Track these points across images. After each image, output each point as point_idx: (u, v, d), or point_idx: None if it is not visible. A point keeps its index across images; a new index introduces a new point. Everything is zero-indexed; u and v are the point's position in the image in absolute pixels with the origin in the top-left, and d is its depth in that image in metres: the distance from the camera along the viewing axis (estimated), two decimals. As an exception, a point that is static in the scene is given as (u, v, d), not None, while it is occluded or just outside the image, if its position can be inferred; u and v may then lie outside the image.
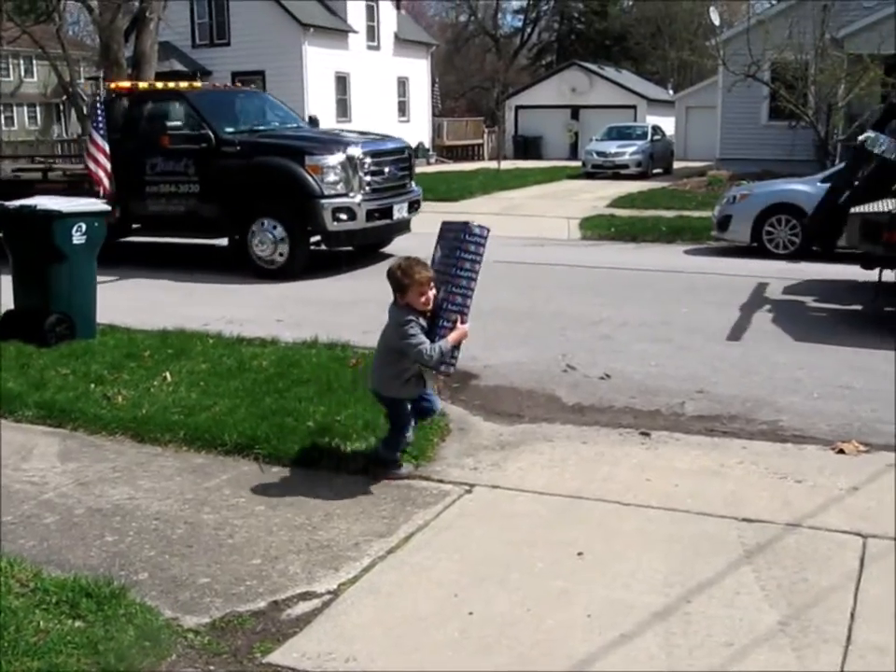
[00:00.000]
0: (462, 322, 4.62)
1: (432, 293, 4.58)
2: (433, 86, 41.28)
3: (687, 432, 5.70)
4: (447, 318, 4.57)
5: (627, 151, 31.67)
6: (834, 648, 3.29)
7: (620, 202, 20.68)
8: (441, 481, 4.85)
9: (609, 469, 5.01)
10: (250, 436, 5.30)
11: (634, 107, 46.01)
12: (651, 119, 41.32)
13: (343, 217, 11.32)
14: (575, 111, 47.05)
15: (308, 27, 31.84)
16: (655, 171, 32.44)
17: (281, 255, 11.39)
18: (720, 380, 6.75)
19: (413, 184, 13.27)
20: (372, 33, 35.92)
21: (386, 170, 12.09)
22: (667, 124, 41.58)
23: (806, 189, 13.21)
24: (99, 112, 11.71)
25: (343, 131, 14.81)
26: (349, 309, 9.32)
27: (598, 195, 22.78)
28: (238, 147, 11.62)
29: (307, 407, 5.71)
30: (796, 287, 10.56)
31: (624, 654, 3.27)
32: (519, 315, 9.00)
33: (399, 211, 12.32)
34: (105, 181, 11.59)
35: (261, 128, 12.82)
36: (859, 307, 9.42)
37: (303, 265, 11.49)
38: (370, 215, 11.65)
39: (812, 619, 3.48)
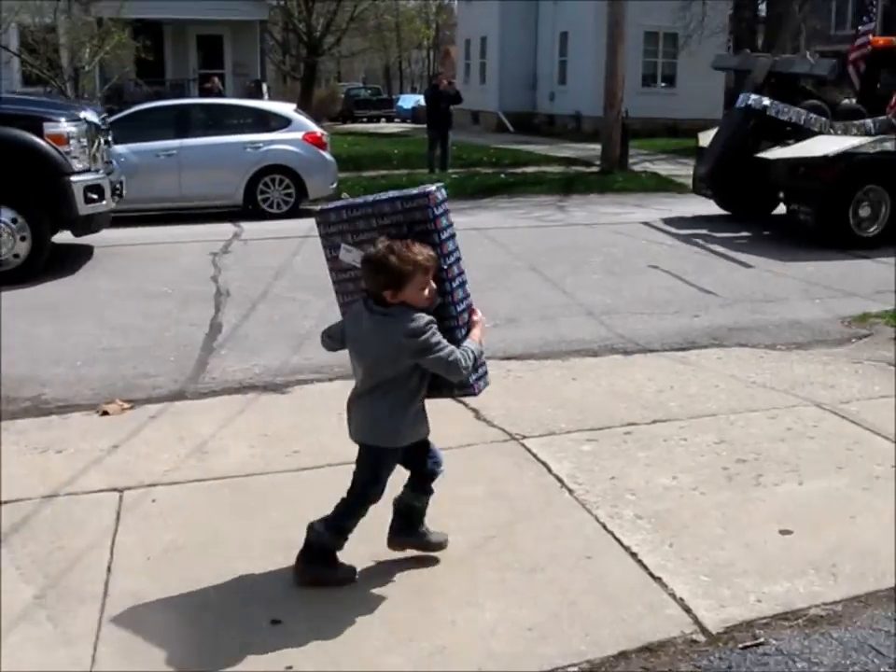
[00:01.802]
0: (474, 314, 3.42)
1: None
2: None
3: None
4: (461, 326, 3.35)
5: None
6: (92, 605, 3.33)
7: None
8: None
9: None
10: None
11: None
12: None
13: (94, 196, 9.23)
14: None
15: None
16: None
17: (17, 253, 8.86)
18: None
19: None
20: None
21: (110, 138, 10.36)
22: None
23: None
24: None
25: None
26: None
27: None
28: None
29: None
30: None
31: None
32: None
33: (125, 187, 10.47)
34: None
35: None
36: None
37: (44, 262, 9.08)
38: (113, 193, 9.70)
39: (69, 584, 3.48)
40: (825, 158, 11.23)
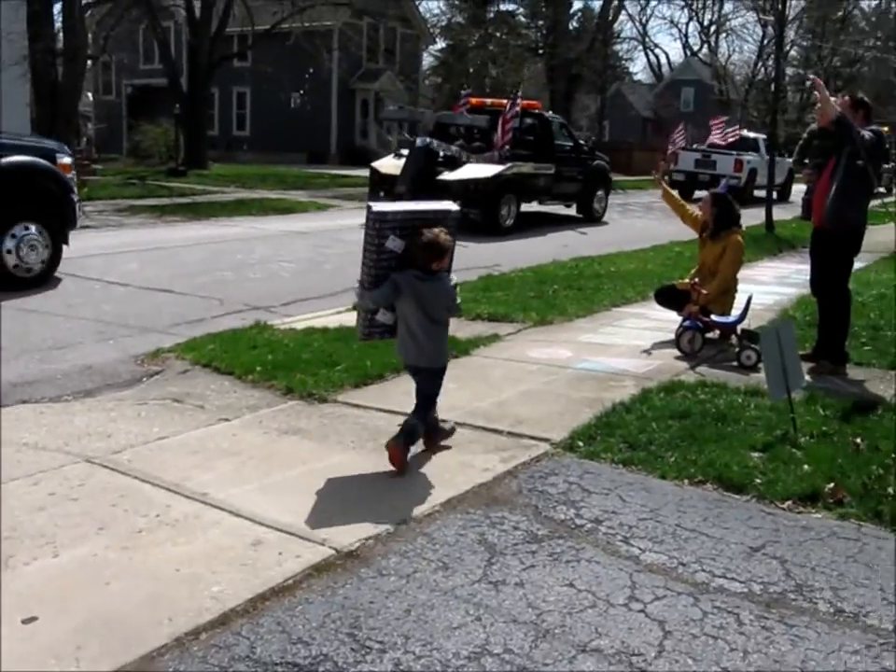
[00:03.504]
0: None
1: None
2: None
3: None
4: None
5: None
6: None
7: None
8: None
9: None
10: None
11: None
12: None
13: (80, 213, 11.74)
14: None
15: None
16: None
17: (44, 259, 10.83)
18: None
19: None
20: None
21: None
22: None
23: None
24: None
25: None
26: None
27: None
28: None
29: None
30: None
31: None
32: None
33: None
34: None
35: None
36: None
37: None
38: None
39: None
40: (486, 178, 18.11)
